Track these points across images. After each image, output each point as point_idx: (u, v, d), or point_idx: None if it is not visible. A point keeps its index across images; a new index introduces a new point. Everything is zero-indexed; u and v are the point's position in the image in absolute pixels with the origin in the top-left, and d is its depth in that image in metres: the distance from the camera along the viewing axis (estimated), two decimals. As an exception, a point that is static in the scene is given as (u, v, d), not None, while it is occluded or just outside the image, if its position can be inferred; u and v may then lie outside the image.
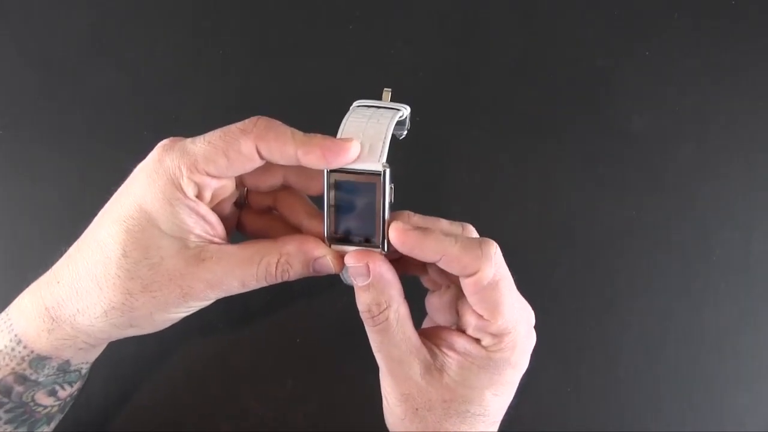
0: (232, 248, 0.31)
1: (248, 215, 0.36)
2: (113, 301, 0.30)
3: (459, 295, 0.35)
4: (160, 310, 0.31)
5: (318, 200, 0.33)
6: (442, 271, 0.33)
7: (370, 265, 0.31)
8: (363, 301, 0.32)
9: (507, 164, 0.45)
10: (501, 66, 0.46)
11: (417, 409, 0.32)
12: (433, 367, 0.32)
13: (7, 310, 0.33)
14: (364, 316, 0.32)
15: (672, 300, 0.44)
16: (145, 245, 0.30)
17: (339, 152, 0.30)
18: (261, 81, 0.46)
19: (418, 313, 0.36)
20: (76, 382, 0.35)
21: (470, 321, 0.32)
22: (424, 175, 0.44)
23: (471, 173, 0.45)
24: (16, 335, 0.32)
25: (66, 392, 0.35)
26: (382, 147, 0.30)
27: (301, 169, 0.32)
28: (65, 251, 0.33)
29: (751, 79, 0.45)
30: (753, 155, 0.45)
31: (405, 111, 0.33)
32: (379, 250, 0.31)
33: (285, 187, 0.34)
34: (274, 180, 0.34)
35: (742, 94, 0.45)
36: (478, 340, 0.33)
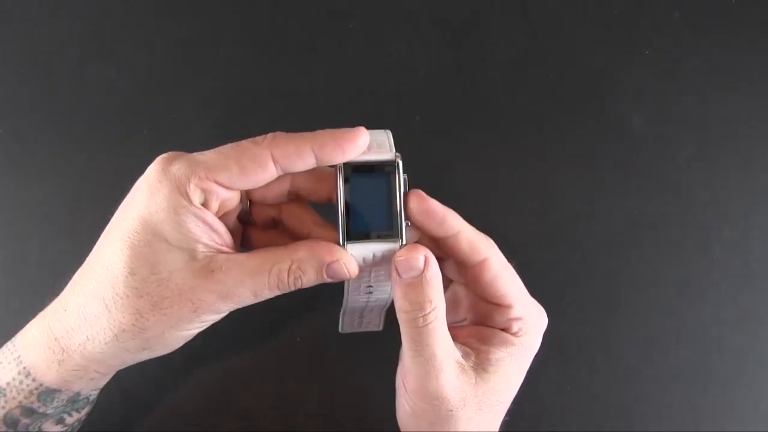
0: (242, 257, 0.30)
1: (253, 231, 0.35)
2: (123, 323, 0.29)
3: (458, 298, 0.35)
4: (171, 327, 0.30)
5: (323, 209, 0.33)
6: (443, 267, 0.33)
7: (428, 256, 0.30)
8: (413, 298, 0.30)
9: (507, 164, 0.45)
10: (501, 66, 0.46)
11: (450, 410, 0.32)
12: (467, 366, 0.32)
13: (13, 340, 0.32)
14: (410, 315, 0.30)
15: (672, 300, 0.44)
16: (152, 261, 0.29)
17: (351, 138, 0.30)
18: (261, 81, 0.46)
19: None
20: (84, 408, 0.34)
21: (489, 314, 0.33)
22: (423, 175, 0.44)
23: (471, 173, 0.45)
24: (25, 368, 0.31)
25: (73, 418, 0.34)
26: (390, 142, 0.31)
27: (309, 173, 0.32)
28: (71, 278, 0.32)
29: (751, 79, 0.45)
30: (753, 155, 0.45)
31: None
32: (397, 243, 0.30)
33: (290, 199, 0.34)
34: (281, 187, 0.33)
35: (742, 94, 0.45)
36: (506, 329, 0.33)
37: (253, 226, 0.35)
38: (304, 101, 0.45)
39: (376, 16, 0.46)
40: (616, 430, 0.43)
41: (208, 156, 0.30)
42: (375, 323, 0.37)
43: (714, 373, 0.43)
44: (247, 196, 0.33)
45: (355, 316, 0.36)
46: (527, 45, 0.46)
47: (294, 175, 0.32)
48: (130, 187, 0.32)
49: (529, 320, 0.34)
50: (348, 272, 0.31)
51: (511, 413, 0.35)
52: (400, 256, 0.30)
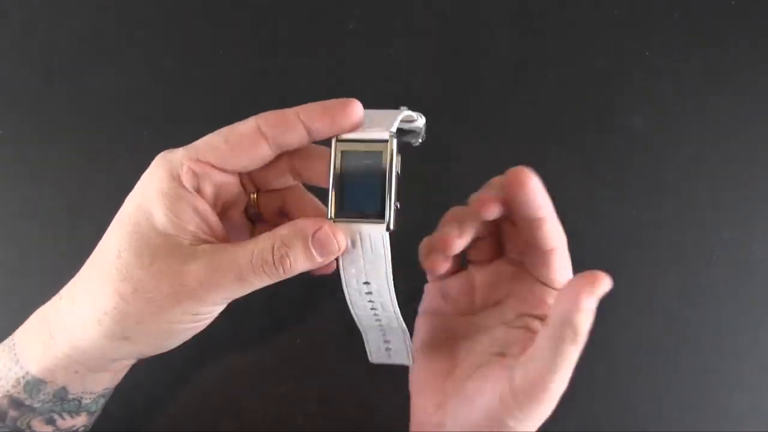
0: (227, 244, 0.30)
1: (263, 230, 0.34)
2: (105, 306, 0.29)
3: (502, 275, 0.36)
4: (152, 314, 0.29)
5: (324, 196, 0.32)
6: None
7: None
8: (587, 319, 0.30)
9: (507, 164, 0.45)
10: (501, 66, 0.46)
11: None
12: None
13: (16, 331, 0.33)
14: (578, 336, 0.30)
15: (672, 300, 0.44)
16: (137, 245, 0.29)
17: (342, 106, 0.29)
18: (261, 81, 0.46)
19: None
20: (76, 413, 0.33)
21: (543, 298, 0.34)
22: (424, 176, 0.44)
23: (471, 173, 0.45)
24: (15, 354, 0.31)
25: (66, 423, 0.33)
26: (391, 120, 0.30)
27: (306, 152, 0.32)
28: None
29: (751, 79, 0.45)
30: (753, 155, 0.45)
31: (420, 120, 0.34)
32: (383, 225, 0.29)
33: (293, 189, 0.34)
34: (281, 168, 0.32)
35: (742, 94, 0.45)
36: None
37: (263, 224, 0.35)
38: (304, 102, 0.45)
39: (376, 16, 0.46)
40: (616, 430, 0.43)
41: (200, 140, 0.30)
42: (402, 354, 0.35)
43: (714, 373, 0.43)
44: (252, 184, 0.33)
45: (379, 339, 0.35)
46: (527, 45, 0.46)
47: (292, 154, 0.32)
48: (130, 188, 0.32)
49: None
50: (337, 242, 0.29)
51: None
52: (588, 285, 0.29)
